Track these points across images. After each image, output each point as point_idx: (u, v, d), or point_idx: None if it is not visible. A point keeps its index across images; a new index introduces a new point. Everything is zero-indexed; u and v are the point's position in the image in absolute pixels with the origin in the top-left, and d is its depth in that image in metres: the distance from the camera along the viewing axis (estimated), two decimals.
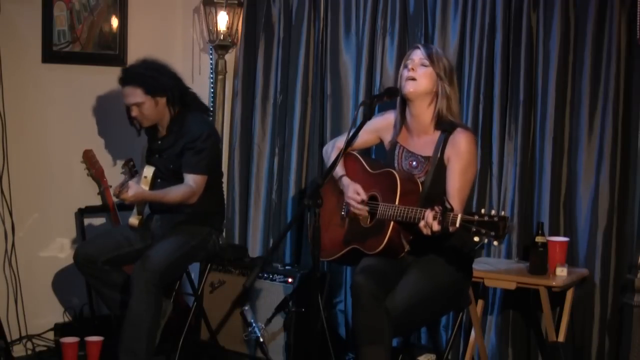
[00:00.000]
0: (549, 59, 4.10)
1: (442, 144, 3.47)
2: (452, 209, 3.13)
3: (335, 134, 4.65)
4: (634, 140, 3.99)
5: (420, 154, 3.55)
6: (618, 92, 3.99)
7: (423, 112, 3.54)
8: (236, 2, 4.90)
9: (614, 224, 4.02)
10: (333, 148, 3.82)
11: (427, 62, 3.49)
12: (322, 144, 4.72)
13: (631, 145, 4.00)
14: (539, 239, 3.89)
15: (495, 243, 3.02)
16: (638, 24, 3.88)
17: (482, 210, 3.03)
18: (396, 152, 3.62)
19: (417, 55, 3.52)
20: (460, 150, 3.44)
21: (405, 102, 3.57)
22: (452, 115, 3.51)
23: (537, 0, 4.14)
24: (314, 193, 3.10)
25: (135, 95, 4.05)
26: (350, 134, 3.40)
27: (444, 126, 3.49)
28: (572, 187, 4.12)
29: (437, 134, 3.51)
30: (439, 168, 3.46)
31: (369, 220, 3.55)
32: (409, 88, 3.49)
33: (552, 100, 4.11)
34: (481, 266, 3.96)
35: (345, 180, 3.65)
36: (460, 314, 3.81)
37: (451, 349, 3.88)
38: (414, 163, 3.55)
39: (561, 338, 3.92)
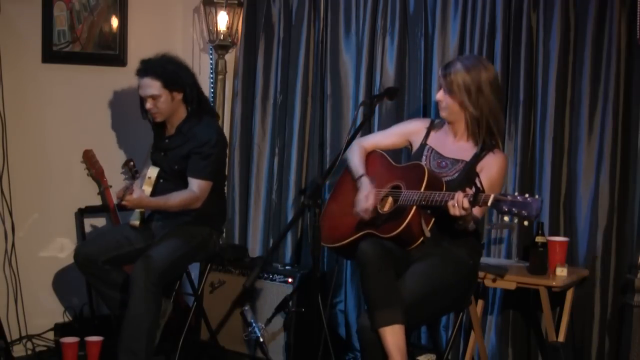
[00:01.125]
0: (549, 59, 4.11)
1: (479, 155, 3.53)
2: (484, 190, 3.16)
3: (335, 134, 4.65)
4: (634, 140, 3.99)
5: (451, 157, 3.58)
6: (618, 92, 3.99)
7: (460, 128, 3.60)
8: (236, 2, 4.90)
9: (614, 224, 4.02)
10: (359, 147, 3.80)
11: (447, 91, 3.54)
12: (322, 144, 4.73)
13: (631, 145, 4.00)
14: (539, 239, 3.90)
15: (526, 223, 3.06)
16: (638, 24, 3.88)
17: (515, 193, 3.08)
18: (425, 152, 3.64)
19: (445, 77, 3.55)
20: (494, 168, 3.50)
21: None
22: (493, 129, 3.54)
23: (537, 0, 4.14)
24: (314, 193, 3.10)
25: (153, 87, 4.05)
26: (351, 134, 3.41)
27: (485, 144, 3.54)
28: (572, 187, 4.12)
29: (476, 145, 3.55)
30: (470, 173, 3.49)
31: (387, 207, 3.54)
32: (443, 114, 3.60)
33: (552, 100, 4.11)
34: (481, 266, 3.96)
35: (364, 181, 3.64)
36: (460, 314, 3.81)
37: (451, 349, 3.88)
38: (443, 163, 3.57)
39: (561, 338, 3.92)
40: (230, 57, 5.02)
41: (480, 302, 4.17)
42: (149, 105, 4.08)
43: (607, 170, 4.01)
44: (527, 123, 4.19)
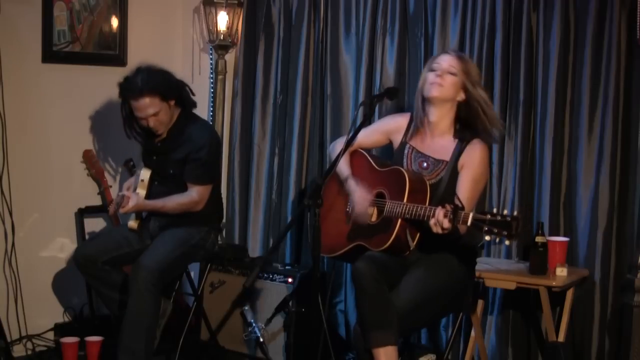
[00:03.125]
0: (549, 59, 4.11)
1: (458, 151, 3.50)
2: (463, 208, 3.15)
3: (335, 134, 4.65)
4: (634, 140, 3.99)
5: (432, 156, 3.55)
6: (618, 92, 3.99)
7: (443, 117, 3.55)
8: (236, 2, 4.90)
9: (614, 224, 4.03)
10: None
11: (454, 71, 3.49)
12: (322, 144, 4.72)
13: (631, 145, 4.00)
14: (539, 239, 3.89)
15: (507, 242, 3.04)
16: (638, 24, 3.88)
17: (494, 210, 3.05)
18: (405, 152, 3.62)
19: (446, 61, 3.52)
20: (475, 161, 3.47)
21: (425, 106, 3.58)
22: (488, 119, 3.52)
23: (537, 0, 4.14)
24: (314, 193, 3.10)
25: (154, 104, 3.96)
26: (351, 134, 3.41)
27: (463, 134, 3.51)
28: (572, 187, 4.12)
29: (454, 140, 3.53)
30: (453, 173, 3.48)
31: (374, 217, 3.54)
32: (434, 92, 3.50)
33: (552, 100, 4.11)
34: (481, 266, 3.96)
35: (352, 184, 3.63)
36: (461, 314, 3.81)
37: (451, 349, 3.88)
38: (425, 164, 3.55)
39: (561, 338, 3.92)
40: (230, 57, 5.01)
41: (480, 302, 4.17)
42: (152, 123, 4.00)
43: (607, 170, 4.01)
44: (527, 123, 4.19)
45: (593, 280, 4.04)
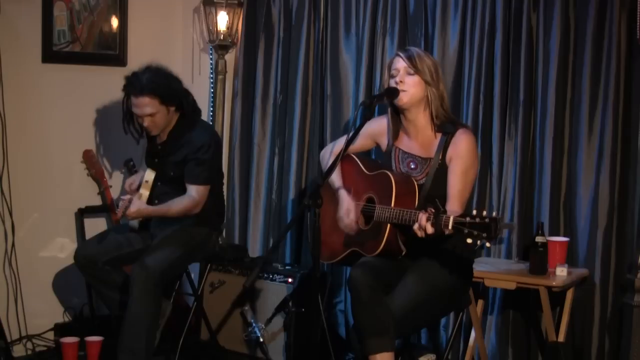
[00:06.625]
0: (549, 59, 4.11)
1: (443, 146, 3.47)
2: (445, 211, 3.13)
3: (335, 134, 4.65)
4: (634, 140, 3.99)
5: (419, 155, 3.54)
6: (618, 92, 3.99)
7: (418, 117, 3.53)
8: (236, 2, 4.90)
9: (614, 224, 4.03)
10: (330, 154, 3.79)
11: (412, 71, 3.48)
12: (322, 144, 4.72)
13: (631, 145, 4.00)
14: (539, 239, 3.89)
15: (488, 245, 3.01)
16: (638, 24, 3.88)
17: (474, 212, 3.02)
18: (392, 154, 3.62)
19: (401, 64, 3.50)
20: (462, 152, 3.44)
21: (397, 108, 3.57)
22: (445, 112, 3.52)
23: (537, 0, 4.14)
24: (314, 193, 3.11)
25: (152, 105, 3.97)
26: (350, 135, 3.41)
27: (446, 128, 3.49)
28: (572, 187, 4.12)
29: (438, 135, 3.51)
30: (441, 169, 3.46)
31: (366, 222, 3.55)
32: (403, 99, 3.48)
33: (552, 100, 4.11)
34: (481, 266, 3.96)
35: (342, 194, 3.64)
36: (460, 314, 3.81)
37: (451, 349, 3.87)
38: (412, 165, 3.54)
39: (561, 338, 3.92)
40: (230, 57, 5.02)
41: (480, 302, 4.18)
42: (146, 123, 4.03)
43: (607, 170, 4.01)
44: (527, 123, 4.19)
45: (593, 280, 4.04)
